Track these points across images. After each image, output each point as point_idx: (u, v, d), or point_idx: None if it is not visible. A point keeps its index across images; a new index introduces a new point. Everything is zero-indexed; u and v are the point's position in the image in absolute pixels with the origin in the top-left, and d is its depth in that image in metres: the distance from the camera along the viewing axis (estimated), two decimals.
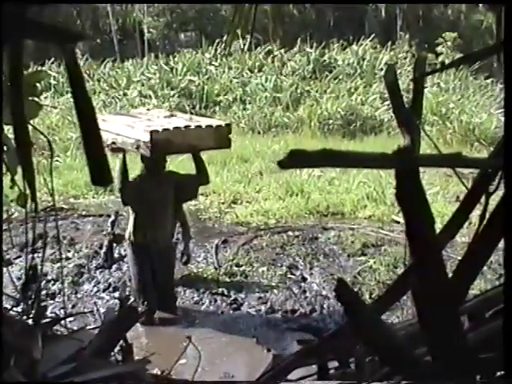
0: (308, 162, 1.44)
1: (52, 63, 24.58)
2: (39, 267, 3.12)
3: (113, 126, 7.68)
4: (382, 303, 2.64)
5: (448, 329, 1.86)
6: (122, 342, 3.01)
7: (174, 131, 7.36)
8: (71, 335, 3.07)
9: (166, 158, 7.81)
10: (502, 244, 1.97)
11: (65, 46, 1.75)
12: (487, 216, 2.21)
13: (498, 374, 2.30)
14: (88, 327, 5.19)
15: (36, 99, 3.03)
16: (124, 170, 7.49)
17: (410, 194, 1.58)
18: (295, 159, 1.39)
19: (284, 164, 1.38)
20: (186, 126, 7.55)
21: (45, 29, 1.81)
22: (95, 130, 1.62)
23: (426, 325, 1.88)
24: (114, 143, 7.42)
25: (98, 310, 7.84)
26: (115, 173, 7.32)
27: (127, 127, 7.53)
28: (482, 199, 2.39)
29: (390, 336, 1.98)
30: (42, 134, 3.33)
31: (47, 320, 3.19)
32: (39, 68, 22.12)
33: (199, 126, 7.67)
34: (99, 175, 1.59)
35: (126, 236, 7.87)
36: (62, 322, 3.51)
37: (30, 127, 2.55)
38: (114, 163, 7.39)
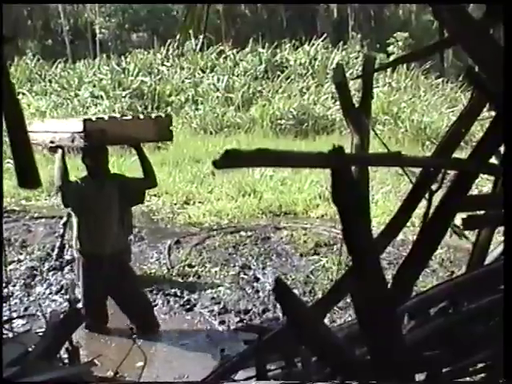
0: (243, 161, 1.44)
1: None
2: None
3: (50, 126, 7.46)
4: (323, 304, 2.65)
5: (386, 329, 1.86)
6: (67, 344, 2.98)
7: (110, 121, 7.08)
8: (16, 338, 3.04)
9: (108, 158, 7.38)
10: (455, 241, 1.99)
11: None
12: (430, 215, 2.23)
13: (444, 370, 2.33)
14: (37, 330, 5.13)
15: None
16: (64, 169, 7.04)
17: (345, 194, 1.59)
18: (230, 159, 1.38)
19: (219, 164, 1.38)
20: (122, 116, 7.40)
21: None
22: (22, 131, 1.59)
23: (364, 325, 1.89)
24: (52, 142, 7.12)
25: (43, 313, 7.69)
26: (54, 171, 7.09)
27: (63, 124, 7.31)
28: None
29: (329, 336, 1.99)
30: None
31: None
32: None
33: (137, 117, 7.54)
34: (26, 178, 1.57)
35: (73, 243, 7.44)
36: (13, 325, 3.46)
37: None
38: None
